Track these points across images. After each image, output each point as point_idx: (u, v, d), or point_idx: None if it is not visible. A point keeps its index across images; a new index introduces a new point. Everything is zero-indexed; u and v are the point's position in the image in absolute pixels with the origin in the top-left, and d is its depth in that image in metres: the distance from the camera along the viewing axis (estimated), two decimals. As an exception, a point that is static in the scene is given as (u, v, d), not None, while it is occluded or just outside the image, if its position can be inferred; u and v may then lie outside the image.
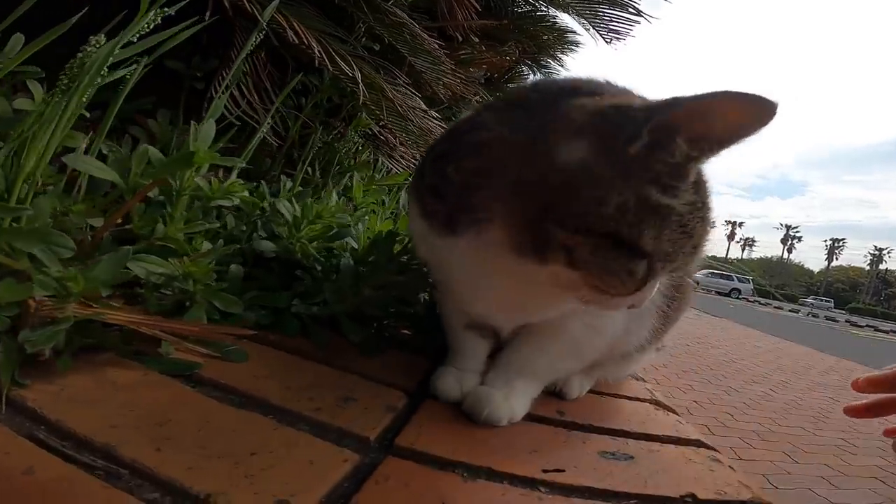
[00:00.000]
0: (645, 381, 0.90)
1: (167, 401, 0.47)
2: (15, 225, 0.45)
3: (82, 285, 0.45)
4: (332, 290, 0.64)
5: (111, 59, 0.52)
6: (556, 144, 0.44)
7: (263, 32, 0.71)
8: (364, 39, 1.05)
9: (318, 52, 0.76)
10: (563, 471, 0.47)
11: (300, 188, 0.90)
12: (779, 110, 0.41)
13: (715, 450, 0.61)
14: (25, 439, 0.37)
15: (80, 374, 0.46)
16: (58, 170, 0.57)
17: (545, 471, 0.47)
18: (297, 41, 0.74)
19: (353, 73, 0.82)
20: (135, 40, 0.55)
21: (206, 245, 0.61)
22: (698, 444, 0.61)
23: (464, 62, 1.55)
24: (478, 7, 1.23)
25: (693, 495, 0.46)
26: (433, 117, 1.08)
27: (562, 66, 2.09)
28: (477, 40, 1.57)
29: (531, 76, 2.29)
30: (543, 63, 2.12)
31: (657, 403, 0.76)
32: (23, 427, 0.38)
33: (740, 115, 0.41)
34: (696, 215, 0.45)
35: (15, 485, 0.33)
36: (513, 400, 0.57)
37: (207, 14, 0.69)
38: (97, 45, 0.50)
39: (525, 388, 0.60)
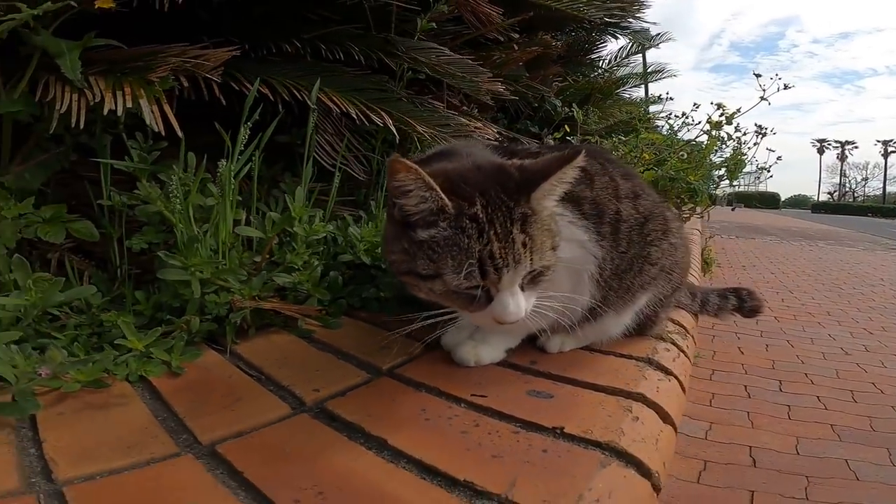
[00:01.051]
0: (663, 341, 1.04)
1: (296, 350, 0.93)
2: (223, 267, 0.96)
3: (251, 291, 0.94)
4: (384, 283, 1.03)
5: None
6: None
7: (315, 108, 1.09)
8: (409, 73, 1.36)
9: (355, 113, 1.12)
10: (486, 396, 0.77)
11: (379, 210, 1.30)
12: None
13: (648, 403, 0.76)
14: (236, 367, 0.87)
15: (259, 338, 0.96)
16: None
17: (472, 394, 0.77)
18: (336, 108, 1.12)
19: (382, 121, 1.15)
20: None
21: (315, 261, 1.07)
22: (628, 395, 0.77)
23: (499, 65, 1.70)
24: (498, 10, 1.40)
25: (562, 428, 0.67)
26: (474, 126, 1.34)
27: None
28: (517, 35, 1.69)
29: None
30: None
31: (640, 359, 0.93)
32: (234, 362, 0.88)
33: None
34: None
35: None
36: (479, 349, 0.86)
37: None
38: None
39: (495, 341, 0.88)
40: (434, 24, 1.40)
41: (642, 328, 1.03)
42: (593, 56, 3.56)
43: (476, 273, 0.67)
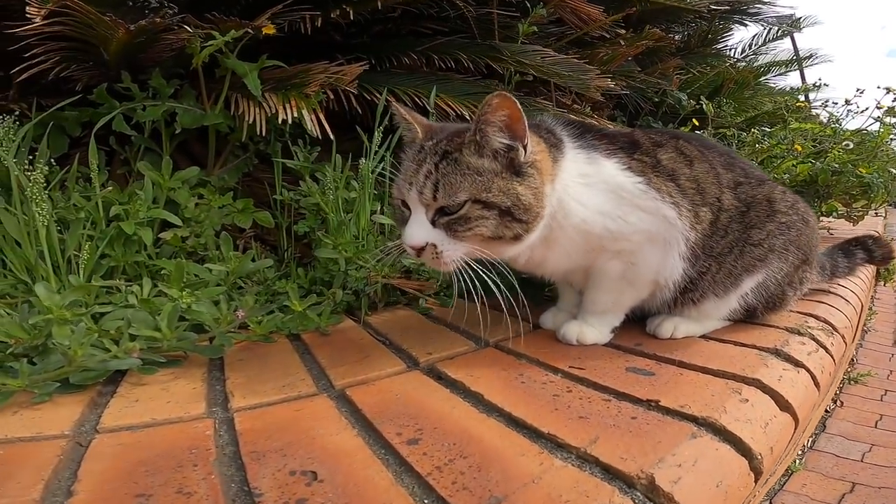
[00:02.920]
0: (799, 335, 0.94)
1: (415, 322, 1.06)
2: (362, 247, 1.13)
3: (382, 269, 1.09)
4: (498, 270, 1.10)
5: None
6: None
7: (433, 112, 1.20)
8: (516, 76, 1.41)
9: (468, 114, 1.21)
10: (583, 369, 0.79)
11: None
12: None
13: (764, 389, 0.72)
14: (366, 333, 1.02)
15: (386, 312, 1.11)
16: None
17: (570, 366, 0.80)
18: (452, 111, 1.22)
19: None
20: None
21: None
22: (742, 379, 0.74)
23: (606, 61, 1.62)
24: (598, 8, 1.36)
25: (657, 401, 0.67)
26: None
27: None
28: (623, 31, 1.60)
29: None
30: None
31: (765, 350, 0.86)
32: (366, 329, 1.04)
33: None
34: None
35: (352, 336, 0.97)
36: (584, 327, 0.89)
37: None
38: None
39: (597, 320, 0.90)
40: (535, 28, 1.44)
41: (770, 307, 0.98)
42: (718, 46, 3.22)
43: (396, 186, 0.78)
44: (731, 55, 3.68)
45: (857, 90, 2.59)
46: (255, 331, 0.93)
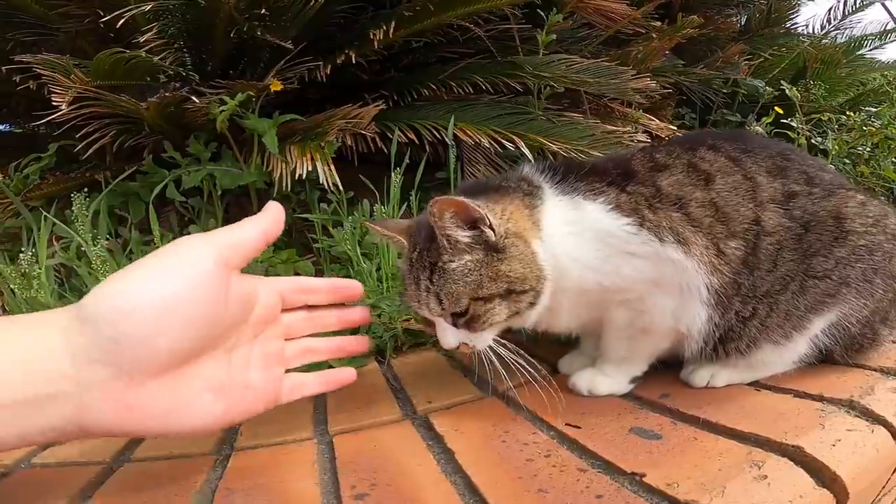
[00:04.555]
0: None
1: (434, 366, 1.03)
2: (385, 292, 1.14)
3: (401, 314, 1.09)
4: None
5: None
6: None
7: (452, 144, 1.18)
8: (547, 89, 1.31)
9: (487, 141, 1.16)
10: (580, 428, 0.69)
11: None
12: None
13: (799, 460, 0.56)
14: (383, 376, 1.02)
15: (411, 354, 1.10)
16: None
17: (567, 423, 0.71)
18: (470, 139, 1.18)
19: (514, 146, 1.16)
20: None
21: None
22: (775, 446, 0.59)
23: (641, 59, 1.41)
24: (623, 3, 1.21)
25: (642, 476, 0.56)
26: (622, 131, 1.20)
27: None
28: (658, 23, 1.39)
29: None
30: None
31: (835, 402, 0.67)
32: (386, 372, 1.04)
33: None
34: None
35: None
36: (597, 377, 0.79)
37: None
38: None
39: (613, 369, 0.78)
40: (554, 36, 1.35)
41: (852, 350, 0.77)
42: (787, 24, 2.73)
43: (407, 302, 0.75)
44: (808, 33, 3.15)
45: None
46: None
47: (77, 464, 0.72)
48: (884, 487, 0.63)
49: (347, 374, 0.74)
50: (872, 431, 0.62)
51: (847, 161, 2.07)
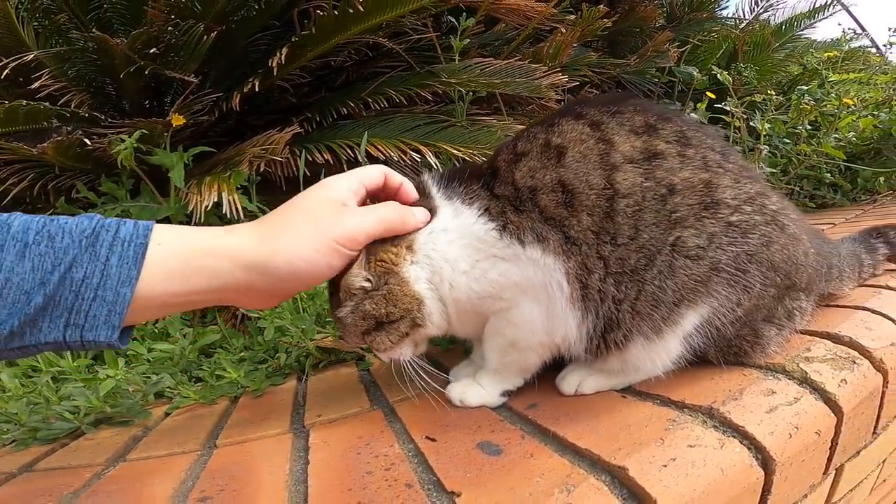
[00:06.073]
0: (776, 377, 0.67)
1: (343, 382, 1.03)
2: (300, 313, 1.16)
3: (310, 334, 1.10)
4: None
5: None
6: None
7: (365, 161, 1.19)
8: (470, 94, 1.31)
9: (396, 155, 1.18)
10: (435, 440, 0.69)
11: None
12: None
13: (623, 482, 0.54)
14: (292, 393, 1.03)
15: (329, 371, 1.11)
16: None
17: (426, 436, 0.70)
18: (382, 154, 1.19)
19: (421, 157, 1.16)
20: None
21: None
22: (605, 467, 0.56)
23: (553, 55, 1.39)
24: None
25: (459, 494, 0.55)
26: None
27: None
28: (572, 16, 1.37)
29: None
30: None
31: (696, 409, 0.64)
32: (299, 388, 1.05)
33: None
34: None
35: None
36: (469, 388, 0.78)
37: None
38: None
39: (488, 381, 0.78)
40: (468, 40, 1.35)
41: (731, 354, 0.72)
42: (713, 9, 2.74)
43: None
44: (738, 16, 3.17)
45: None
46: (194, 396, 1.01)
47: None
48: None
49: None
50: (721, 447, 0.58)
51: (787, 141, 2.03)
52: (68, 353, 1.10)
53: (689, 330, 0.68)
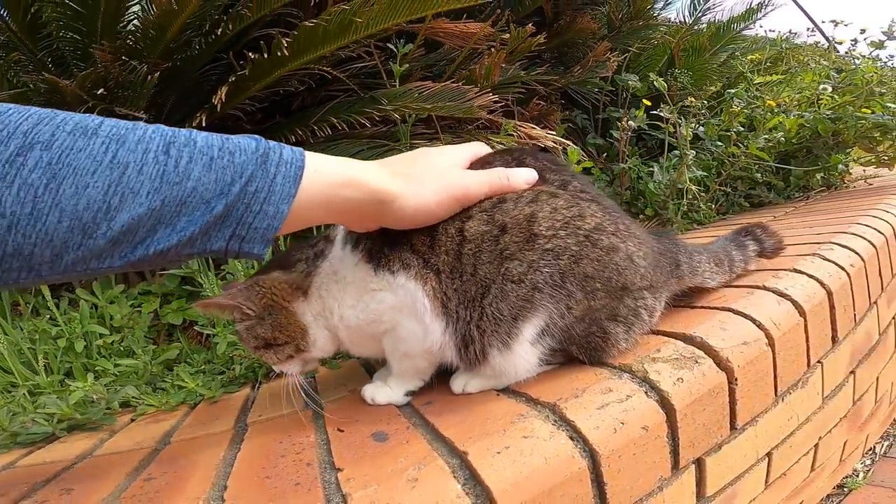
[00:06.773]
0: (620, 376, 0.81)
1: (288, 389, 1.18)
2: None
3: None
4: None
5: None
6: None
7: None
8: (412, 117, 1.43)
9: None
10: (343, 431, 0.83)
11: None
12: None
13: (466, 471, 0.64)
14: (244, 400, 1.17)
15: (280, 380, 1.25)
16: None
17: (339, 429, 0.85)
18: None
19: None
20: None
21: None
22: (454, 454, 0.67)
23: (486, 75, 1.51)
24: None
25: (341, 470, 0.69)
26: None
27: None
28: (507, 35, 1.47)
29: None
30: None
31: (541, 404, 0.76)
32: (252, 395, 1.19)
33: None
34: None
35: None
36: (379, 388, 0.93)
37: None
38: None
39: (394, 382, 0.93)
40: (407, 66, 1.46)
41: (589, 350, 0.84)
42: (649, 16, 2.82)
43: None
44: (680, 21, 3.21)
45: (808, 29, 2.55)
46: (151, 402, 1.16)
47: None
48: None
49: None
50: (550, 438, 0.67)
51: (720, 143, 2.16)
52: (43, 366, 1.23)
53: (533, 337, 0.79)
